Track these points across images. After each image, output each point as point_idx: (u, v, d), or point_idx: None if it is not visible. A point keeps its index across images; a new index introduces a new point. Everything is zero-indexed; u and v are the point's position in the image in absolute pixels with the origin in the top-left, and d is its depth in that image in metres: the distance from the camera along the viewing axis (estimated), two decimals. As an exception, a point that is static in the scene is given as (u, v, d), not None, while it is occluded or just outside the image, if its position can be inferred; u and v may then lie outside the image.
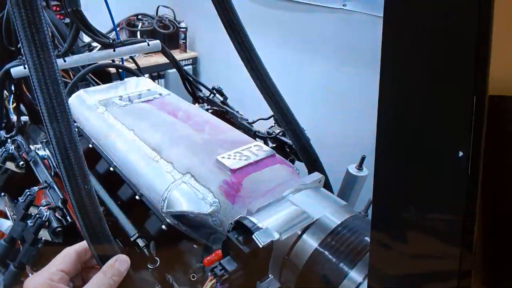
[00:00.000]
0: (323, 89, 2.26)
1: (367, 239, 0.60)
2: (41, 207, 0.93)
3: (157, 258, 0.81)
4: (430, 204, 0.39)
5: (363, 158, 0.88)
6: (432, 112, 0.36)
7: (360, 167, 0.88)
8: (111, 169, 0.97)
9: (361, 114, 1.77)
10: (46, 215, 0.90)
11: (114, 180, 0.96)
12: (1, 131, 1.30)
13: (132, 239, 0.82)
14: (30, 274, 0.96)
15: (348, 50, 2.09)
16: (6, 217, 1.34)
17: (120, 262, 0.61)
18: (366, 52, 1.53)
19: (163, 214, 0.81)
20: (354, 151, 0.93)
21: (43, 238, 0.91)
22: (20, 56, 1.33)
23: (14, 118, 1.44)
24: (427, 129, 0.37)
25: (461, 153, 0.35)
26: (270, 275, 0.65)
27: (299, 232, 0.65)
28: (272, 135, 1.15)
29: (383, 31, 0.37)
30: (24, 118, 1.52)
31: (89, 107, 1.12)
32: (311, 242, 0.63)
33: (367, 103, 1.26)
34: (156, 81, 3.05)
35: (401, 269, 0.42)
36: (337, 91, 2.18)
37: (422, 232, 0.40)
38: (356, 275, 0.57)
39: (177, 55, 3.13)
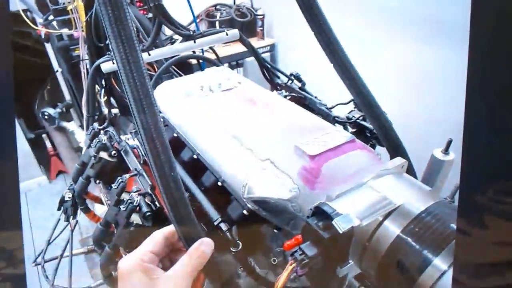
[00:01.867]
0: (406, 69, 2.16)
1: (453, 226, 0.57)
2: (132, 193, 0.98)
3: (239, 242, 0.83)
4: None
5: (449, 142, 0.82)
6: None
7: (446, 151, 0.83)
8: (195, 156, 1.00)
9: (447, 95, 1.68)
10: (137, 200, 0.96)
11: (198, 167, 0.99)
12: (94, 124, 1.37)
13: (215, 223, 0.85)
14: (123, 255, 1.01)
15: (432, 26, 1.97)
16: (101, 203, 1.43)
17: (204, 245, 0.63)
18: (452, 27, 1.44)
19: (244, 200, 0.83)
20: (439, 134, 0.89)
21: (135, 222, 0.97)
22: (109, 52, 1.40)
23: (105, 110, 1.53)
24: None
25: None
26: (350, 261, 0.64)
27: (381, 219, 0.63)
28: (352, 120, 1.13)
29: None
30: (115, 111, 1.61)
31: (172, 98, 1.16)
32: (393, 229, 0.62)
33: (453, 83, 1.19)
34: (235, 70, 3.10)
35: (489, 258, 0.40)
36: (421, 71, 2.07)
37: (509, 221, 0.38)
38: (440, 262, 0.55)
39: (255, 42, 3.16)
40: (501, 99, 0.36)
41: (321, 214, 0.62)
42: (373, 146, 1.06)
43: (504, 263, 0.39)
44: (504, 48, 0.34)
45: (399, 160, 0.73)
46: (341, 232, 0.58)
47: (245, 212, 0.84)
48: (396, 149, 0.86)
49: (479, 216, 0.40)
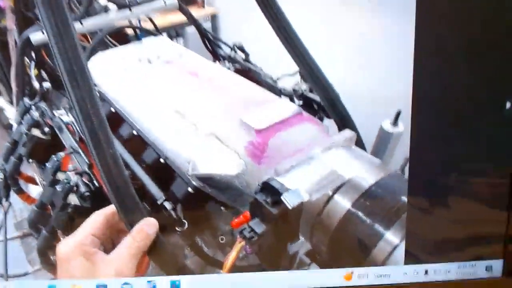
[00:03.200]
0: (351, 39, 2.18)
1: (404, 199, 0.58)
2: (68, 172, 0.94)
3: (185, 221, 0.82)
4: (473, 161, 0.37)
5: (398, 113, 0.83)
6: (477, 58, 0.33)
7: (395, 122, 0.84)
8: (135, 132, 0.97)
9: (395, 65, 1.71)
10: (74, 180, 0.92)
11: (138, 144, 0.96)
12: (24, 99, 1.31)
13: (159, 202, 0.82)
14: (62, 239, 0.98)
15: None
16: (35, 183, 1.37)
17: (148, 226, 0.62)
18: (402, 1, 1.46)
19: (189, 177, 0.81)
20: (388, 105, 0.90)
21: (72, 203, 0.93)
22: (38, 22, 1.33)
23: (36, 85, 1.45)
24: (470, 78, 0.34)
25: (509, 104, 0.33)
26: (300, 237, 0.64)
27: (330, 193, 0.63)
28: (299, 92, 1.12)
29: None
30: (46, 85, 1.53)
31: (108, 70, 1.11)
32: (343, 203, 0.62)
33: (401, 52, 1.21)
34: (175, 40, 3.01)
35: (441, 232, 0.40)
36: (367, 39, 2.10)
37: (464, 193, 0.38)
38: (392, 236, 0.55)
39: (195, 11, 3.07)
40: (450, 67, 0.35)
41: (269, 189, 0.61)
42: (321, 119, 1.06)
43: (457, 238, 0.39)
44: (450, 16, 0.34)
45: (347, 133, 0.73)
46: (290, 207, 0.58)
47: (190, 189, 0.81)
48: (344, 121, 0.86)
49: (429, 189, 0.40)
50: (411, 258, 0.44)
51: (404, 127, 0.83)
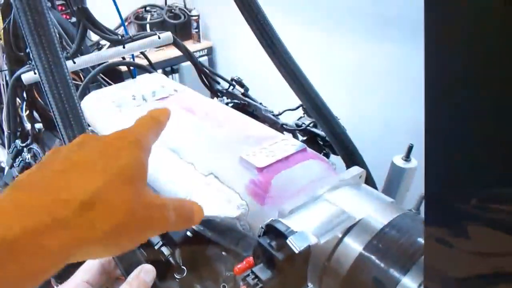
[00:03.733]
0: (357, 71, 2.19)
1: (421, 240, 0.56)
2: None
3: (184, 267, 0.80)
4: (495, 193, 0.36)
5: (410, 147, 0.82)
6: (495, 81, 0.32)
7: (407, 157, 0.83)
8: (129, 173, 0.96)
9: (404, 97, 1.71)
10: None
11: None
12: (16, 141, 1.32)
13: (156, 247, 0.81)
14: (55, 287, 0.97)
15: (382, 22, 2.00)
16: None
17: (145, 273, 0.61)
18: (404, 23, 1.47)
19: (187, 220, 0.80)
20: (399, 140, 0.89)
21: None
22: (30, 61, 1.34)
23: (28, 126, 1.46)
24: (487, 103, 0.33)
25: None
26: (309, 284, 0.62)
27: (340, 235, 0.62)
28: (302, 127, 1.12)
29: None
30: (38, 126, 1.54)
31: (102, 109, 1.12)
32: (354, 246, 0.60)
33: (410, 83, 1.22)
34: (170, 76, 3.05)
35: (463, 272, 0.39)
36: (374, 72, 2.10)
37: (487, 227, 0.37)
38: (409, 281, 0.54)
39: (190, 46, 3.12)
40: (464, 96, 0.35)
41: (274, 232, 0.60)
42: (327, 155, 1.06)
43: (482, 276, 0.38)
44: (464, 38, 0.33)
45: (356, 170, 0.72)
46: (297, 251, 0.56)
47: (188, 233, 0.81)
48: (352, 157, 0.86)
49: (449, 227, 0.39)
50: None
51: (417, 162, 0.83)
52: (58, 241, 0.32)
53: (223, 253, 0.83)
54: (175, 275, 0.80)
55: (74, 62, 1.27)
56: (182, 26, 3.18)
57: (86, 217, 0.34)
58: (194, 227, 0.79)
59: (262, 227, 0.62)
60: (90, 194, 0.34)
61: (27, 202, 0.32)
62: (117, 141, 0.42)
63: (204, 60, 3.19)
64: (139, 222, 0.38)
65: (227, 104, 1.35)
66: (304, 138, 1.12)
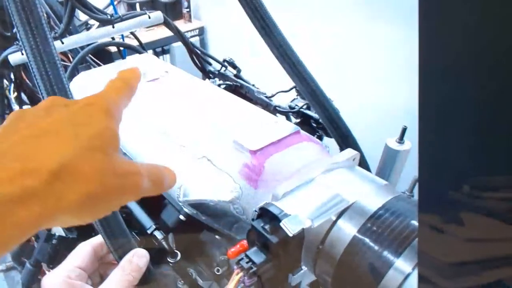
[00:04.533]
0: (351, 52, 2.17)
1: (414, 223, 0.57)
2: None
3: (177, 252, 0.81)
4: (489, 178, 0.36)
5: (404, 130, 0.82)
6: (491, 67, 0.32)
7: (401, 139, 0.83)
8: (120, 157, 0.96)
9: (398, 78, 1.71)
10: None
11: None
12: (4, 123, 1.31)
13: (149, 231, 0.82)
14: (47, 272, 0.98)
15: (376, 3, 1.98)
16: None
17: (138, 257, 0.61)
18: (399, 4, 1.46)
19: (180, 204, 0.80)
20: (393, 122, 0.89)
21: (57, 234, 0.93)
22: (17, 42, 1.33)
23: (16, 108, 1.45)
24: (484, 85, 0.33)
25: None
26: (303, 267, 0.63)
27: (334, 218, 0.62)
28: (295, 109, 1.12)
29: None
30: (27, 107, 1.53)
31: (91, 90, 1.10)
32: (348, 229, 0.61)
33: (404, 65, 1.21)
34: (161, 57, 3.03)
35: (456, 257, 0.39)
36: (368, 53, 2.09)
37: (481, 212, 0.37)
38: (403, 264, 0.54)
39: (181, 26, 3.10)
40: (459, 78, 0.35)
41: (267, 215, 0.60)
42: (320, 138, 1.06)
43: (476, 260, 0.39)
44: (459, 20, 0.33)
45: (349, 152, 0.73)
46: (290, 235, 0.56)
47: (181, 217, 0.81)
48: (345, 139, 0.86)
49: (442, 210, 0.39)
50: (425, 287, 0.43)
51: (411, 144, 0.83)
52: (27, 211, 0.31)
53: (217, 237, 0.83)
54: (168, 259, 0.80)
55: (63, 43, 1.26)
56: (173, 6, 3.14)
57: (56, 186, 0.33)
58: (187, 210, 0.79)
59: (255, 211, 0.62)
60: (60, 163, 0.34)
61: None
62: (87, 107, 0.41)
63: (195, 40, 3.16)
64: (111, 190, 0.38)
65: (219, 85, 1.34)
66: (298, 120, 1.12)
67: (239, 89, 1.32)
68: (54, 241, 0.93)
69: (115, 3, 2.65)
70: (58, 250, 0.93)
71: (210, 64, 1.47)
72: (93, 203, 0.36)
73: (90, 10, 1.26)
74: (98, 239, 0.65)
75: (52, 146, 0.35)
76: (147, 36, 2.82)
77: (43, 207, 0.32)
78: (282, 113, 1.15)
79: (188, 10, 3.17)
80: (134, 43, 1.56)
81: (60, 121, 0.38)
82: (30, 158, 0.33)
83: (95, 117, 0.40)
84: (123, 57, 1.58)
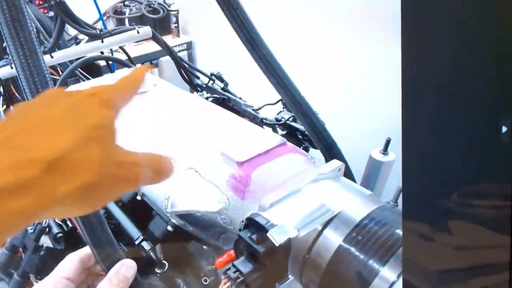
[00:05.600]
0: (335, 65, 2.19)
1: (399, 232, 0.57)
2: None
3: (165, 262, 0.80)
4: (471, 188, 0.36)
5: (388, 141, 0.83)
6: (471, 79, 0.33)
7: (385, 151, 0.84)
8: (108, 169, 0.95)
9: (382, 90, 1.72)
10: (46, 220, 0.92)
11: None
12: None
13: (136, 242, 0.81)
14: (34, 283, 0.97)
15: (363, 17, 2.00)
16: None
17: (125, 268, 0.61)
18: (385, 19, 1.48)
19: (168, 214, 0.79)
20: (377, 133, 0.90)
21: (45, 245, 0.93)
22: (6, 56, 1.32)
23: (4, 120, 1.43)
24: (464, 100, 0.33)
25: (504, 128, 0.32)
26: (290, 276, 0.62)
27: (320, 228, 0.62)
28: (282, 121, 1.12)
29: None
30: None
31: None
32: (334, 238, 0.60)
33: (389, 77, 1.23)
34: (150, 70, 3.02)
35: (441, 263, 0.39)
36: (352, 66, 2.11)
37: (463, 220, 0.37)
38: (388, 272, 0.54)
39: (170, 40, 3.09)
40: (441, 93, 0.35)
41: (254, 226, 0.60)
42: (306, 149, 1.06)
43: (460, 268, 0.38)
44: (438, 34, 0.33)
45: (335, 163, 0.73)
46: (277, 244, 0.56)
47: (169, 228, 0.80)
48: (330, 151, 0.86)
49: (426, 219, 0.39)
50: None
51: (395, 155, 0.83)
52: (22, 202, 0.31)
53: (204, 247, 0.83)
54: (156, 269, 0.79)
55: (52, 57, 1.26)
56: (161, 21, 3.14)
57: (53, 177, 0.32)
58: (174, 221, 0.79)
59: (242, 221, 0.62)
60: (58, 154, 0.33)
61: None
62: (88, 98, 0.40)
63: (183, 55, 3.16)
64: (108, 182, 0.37)
65: (207, 98, 1.34)
66: (284, 132, 1.13)
67: (226, 102, 1.32)
68: (42, 252, 0.93)
69: (104, 18, 2.65)
70: (46, 261, 0.93)
71: (198, 78, 1.47)
72: (91, 194, 0.36)
73: (80, 24, 1.26)
74: (85, 250, 0.64)
75: (51, 136, 0.34)
76: (136, 51, 2.81)
77: (38, 197, 0.31)
78: (268, 125, 1.15)
79: (176, 25, 3.17)
80: (123, 57, 1.56)
81: (60, 111, 0.37)
82: (28, 148, 0.33)
83: (95, 107, 0.39)
84: (112, 71, 1.58)
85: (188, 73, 1.47)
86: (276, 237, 0.56)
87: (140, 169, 0.41)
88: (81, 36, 1.90)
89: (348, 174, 0.85)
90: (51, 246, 0.92)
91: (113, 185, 0.38)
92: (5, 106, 1.43)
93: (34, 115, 0.36)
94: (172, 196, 0.78)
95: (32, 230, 0.91)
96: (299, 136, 1.09)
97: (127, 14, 3.03)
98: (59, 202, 0.33)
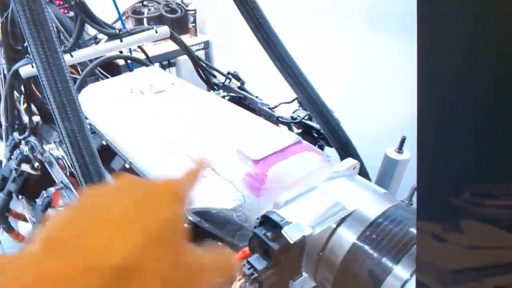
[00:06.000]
0: (351, 63, 2.17)
1: (413, 230, 0.56)
2: (58, 208, 0.94)
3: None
4: (488, 187, 0.36)
5: (403, 140, 0.82)
6: (489, 78, 0.32)
7: (400, 149, 0.83)
8: (127, 166, 0.96)
9: (398, 89, 1.71)
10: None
11: (131, 177, 0.95)
12: (14, 133, 1.31)
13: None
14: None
15: (376, 14, 1.98)
16: (25, 220, 1.36)
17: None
18: (398, 16, 1.46)
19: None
20: (392, 132, 0.89)
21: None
22: (27, 55, 1.34)
23: (26, 119, 1.45)
24: (481, 99, 0.33)
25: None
26: (303, 273, 0.62)
27: (334, 226, 0.62)
28: (297, 120, 1.12)
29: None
30: (36, 118, 1.54)
31: (100, 102, 1.11)
32: (348, 236, 0.60)
33: (404, 75, 1.22)
34: (167, 69, 3.03)
35: (454, 263, 0.39)
36: (368, 64, 2.09)
37: (478, 220, 0.37)
38: (401, 271, 0.54)
39: (187, 40, 3.10)
40: (457, 89, 0.35)
41: (269, 223, 0.60)
42: (321, 147, 1.06)
43: (474, 267, 0.38)
44: (458, 30, 0.33)
45: (350, 161, 0.72)
46: (292, 242, 0.56)
47: (185, 225, 0.80)
48: (346, 149, 0.86)
49: (440, 218, 0.39)
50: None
51: (410, 153, 0.82)
52: None
53: (220, 244, 0.83)
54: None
55: (72, 56, 1.27)
56: (179, 21, 3.15)
57: (117, 284, 0.31)
58: (190, 218, 0.79)
59: (258, 218, 0.62)
60: (126, 259, 0.31)
61: (60, 270, 0.30)
62: (161, 191, 0.39)
63: (200, 54, 3.17)
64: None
65: (223, 97, 1.34)
66: (299, 130, 1.12)
67: (242, 100, 1.32)
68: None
69: (123, 18, 2.67)
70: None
71: (215, 77, 1.48)
72: None
73: (99, 24, 1.27)
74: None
75: (121, 235, 0.33)
76: (154, 50, 2.82)
77: None
78: (284, 123, 1.15)
79: (194, 25, 3.18)
80: (142, 56, 1.57)
81: (128, 205, 0.36)
82: (97, 253, 0.31)
83: (166, 202, 0.38)
84: (130, 70, 1.59)
85: (205, 72, 1.47)
86: (291, 235, 0.56)
87: (207, 272, 0.39)
88: (100, 36, 1.92)
89: (363, 172, 0.84)
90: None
91: None
92: (25, 104, 1.45)
93: (102, 210, 0.35)
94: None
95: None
96: (314, 134, 1.09)
97: (145, 14, 3.05)
98: None
